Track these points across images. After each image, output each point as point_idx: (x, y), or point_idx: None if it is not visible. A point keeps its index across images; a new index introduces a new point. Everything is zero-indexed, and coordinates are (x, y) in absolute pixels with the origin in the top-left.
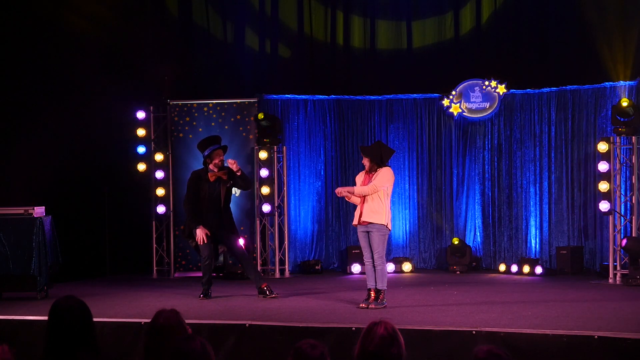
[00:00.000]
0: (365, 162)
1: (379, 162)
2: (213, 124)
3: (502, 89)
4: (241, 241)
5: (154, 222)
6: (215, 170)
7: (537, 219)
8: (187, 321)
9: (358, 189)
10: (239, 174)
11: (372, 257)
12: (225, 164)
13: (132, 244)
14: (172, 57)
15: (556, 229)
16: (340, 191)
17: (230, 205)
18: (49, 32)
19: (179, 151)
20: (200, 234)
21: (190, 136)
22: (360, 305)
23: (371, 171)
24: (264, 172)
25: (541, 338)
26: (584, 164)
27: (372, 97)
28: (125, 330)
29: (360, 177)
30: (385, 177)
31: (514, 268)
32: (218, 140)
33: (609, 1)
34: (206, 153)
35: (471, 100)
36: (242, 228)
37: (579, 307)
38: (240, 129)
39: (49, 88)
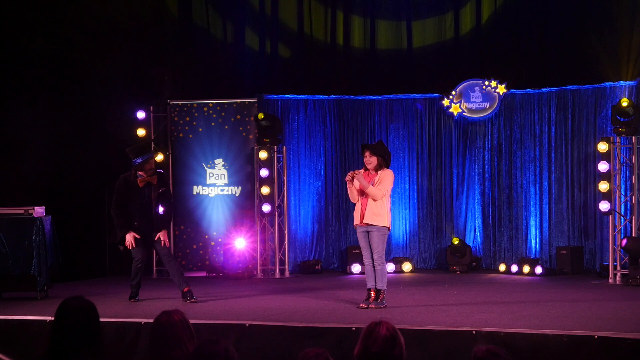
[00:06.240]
0: (373, 159)
1: (386, 163)
2: (213, 124)
3: (502, 89)
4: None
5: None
6: (145, 176)
7: (537, 219)
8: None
9: (371, 188)
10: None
11: (372, 257)
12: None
13: None
14: (172, 57)
15: (556, 229)
16: (353, 176)
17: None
18: (48, 32)
19: (179, 151)
20: (129, 238)
21: (191, 136)
22: (360, 305)
23: (376, 170)
24: (264, 172)
25: (541, 338)
26: (584, 164)
27: (372, 97)
28: (125, 330)
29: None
30: (389, 180)
31: (514, 268)
32: (150, 147)
33: (610, 1)
34: (139, 161)
35: (471, 100)
36: (242, 228)
37: (579, 307)
38: (240, 129)
39: (49, 88)
